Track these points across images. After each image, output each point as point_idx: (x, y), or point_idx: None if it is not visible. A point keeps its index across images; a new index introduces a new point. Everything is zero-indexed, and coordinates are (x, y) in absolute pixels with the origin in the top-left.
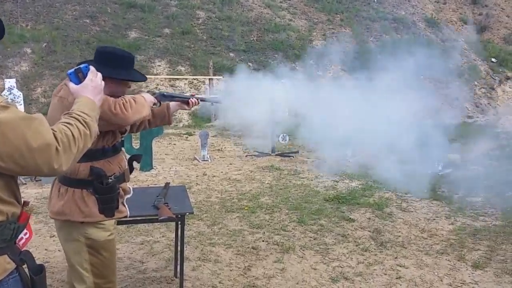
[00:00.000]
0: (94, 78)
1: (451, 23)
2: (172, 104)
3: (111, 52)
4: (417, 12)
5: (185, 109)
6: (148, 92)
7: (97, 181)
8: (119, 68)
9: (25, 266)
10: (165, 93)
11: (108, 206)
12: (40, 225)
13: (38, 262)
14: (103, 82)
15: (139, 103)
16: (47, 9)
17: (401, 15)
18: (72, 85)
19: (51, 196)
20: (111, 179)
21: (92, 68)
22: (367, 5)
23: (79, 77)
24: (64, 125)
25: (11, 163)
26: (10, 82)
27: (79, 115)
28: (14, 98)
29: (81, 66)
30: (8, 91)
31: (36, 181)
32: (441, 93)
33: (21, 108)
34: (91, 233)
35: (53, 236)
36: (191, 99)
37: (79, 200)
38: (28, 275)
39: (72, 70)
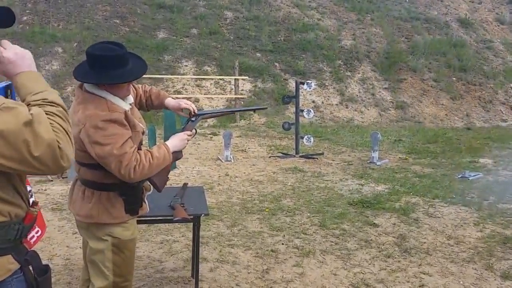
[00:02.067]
0: (12, 50)
1: (486, 24)
2: (171, 102)
3: (96, 55)
4: (450, 13)
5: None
6: (174, 94)
7: (124, 183)
8: (109, 70)
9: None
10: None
11: (133, 206)
12: (63, 222)
13: (58, 259)
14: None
15: (156, 163)
16: (78, 10)
17: (433, 15)
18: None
19: (75, 199)
20: None
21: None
22: (398, 4)
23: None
24: (48, 117)
25: (15, 163)
26: None
27: (41, 99)
28: None
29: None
30: None
31: (63, 178)
32: (474, 96)
33: None
34: (116, 232)
35: (76, 233)
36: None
37: (107, 202)
38: (33, 275)
39: None
